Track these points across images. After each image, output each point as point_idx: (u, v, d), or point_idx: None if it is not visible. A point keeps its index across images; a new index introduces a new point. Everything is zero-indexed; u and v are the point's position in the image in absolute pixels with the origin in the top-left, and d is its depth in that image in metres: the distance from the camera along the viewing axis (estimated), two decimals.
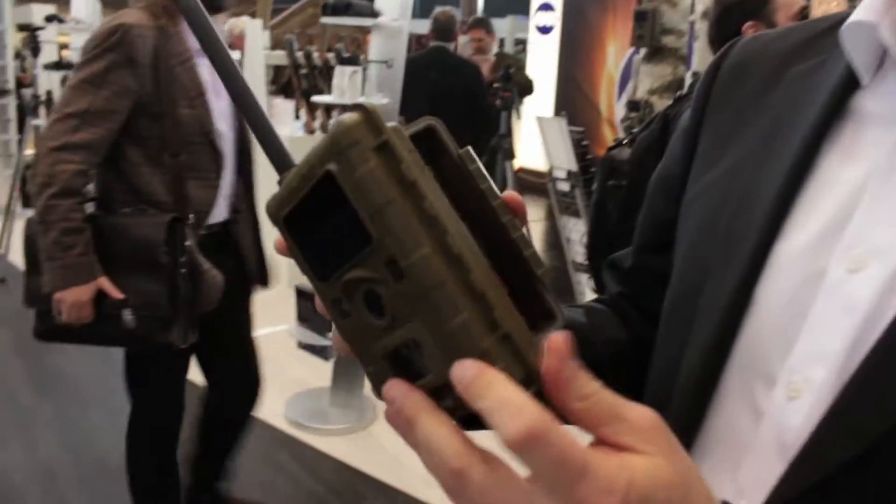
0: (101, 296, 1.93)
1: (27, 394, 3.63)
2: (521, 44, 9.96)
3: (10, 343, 4.20)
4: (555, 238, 5.48)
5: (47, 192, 1.85)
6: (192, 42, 2.01)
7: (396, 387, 0.36)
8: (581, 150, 4.34)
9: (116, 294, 1.93)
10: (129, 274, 1.94)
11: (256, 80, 5.18)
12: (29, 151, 5.83)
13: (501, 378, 0.34)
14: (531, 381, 0.38)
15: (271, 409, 3.13)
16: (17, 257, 5.43)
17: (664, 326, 0.66)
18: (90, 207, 2.00)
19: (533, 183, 7.64)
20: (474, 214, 0.58)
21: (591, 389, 0.35)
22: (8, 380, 3.75)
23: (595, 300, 0.81)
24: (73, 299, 1.88)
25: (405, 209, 0.41)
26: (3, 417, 3.37)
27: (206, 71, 2.05)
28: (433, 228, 0.41)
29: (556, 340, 0.35)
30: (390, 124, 0.43)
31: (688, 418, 0.58)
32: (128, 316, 1.95)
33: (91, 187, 2.03)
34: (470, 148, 0.55)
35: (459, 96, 4.66)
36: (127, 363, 2.21)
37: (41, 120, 5.73)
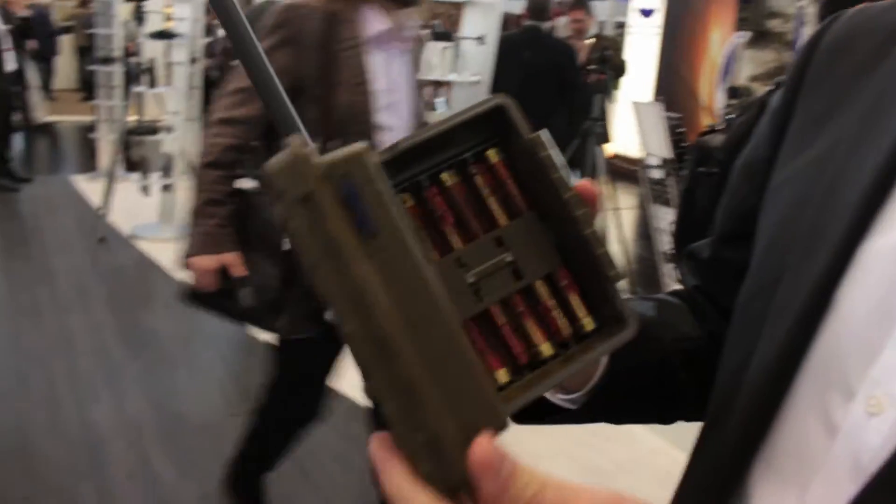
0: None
1: (119, 350, 3.78)
2: (622, 27, 9.71)
3: (106, 300, 4.39)
4: (645, 227, 5.33)
5: (202, 161, 1.93)
6: (368, 31, 1.96)
7: (374, 440, 0.38)
8: (677, 137, 4.18)
9: (239, 270, 1.94)
10: (254, 253, 1.97)
11: None
12: (132, 118, 6.07)
13: (401, 472, 0.35)
14: (458, 487, 0.36)
15: (348, 380, 3.16)
16: (117, 218, 5.67)
17: (735, 325, 0.61)
18: (249, 183, 2.04)
19: (626, 170, 7.47)
20: (545, 205, 0.53)
21: (529, 494, 0.34)
22: (102, 335, 3.92)
23: (671, 293, 0.76)
24: (200, 266, 1.92)
25: (329, 275, 0.37)
26: (95, 371, 3.53)
27: (380, 63, 2.00)
28: (358, 303, 0.37)
29: (479, 453, 0.35)
30: (348, 150, 0.38)
31: (752, 427, 0.53)
32: (245, 294, 1.95)
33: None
34: (543, 132, 0.51)
35: (552, 77, 4.57)
36: (278, 348, 2.15)
37: (144, 87, 5.94)
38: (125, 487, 2.68)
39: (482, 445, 0.35)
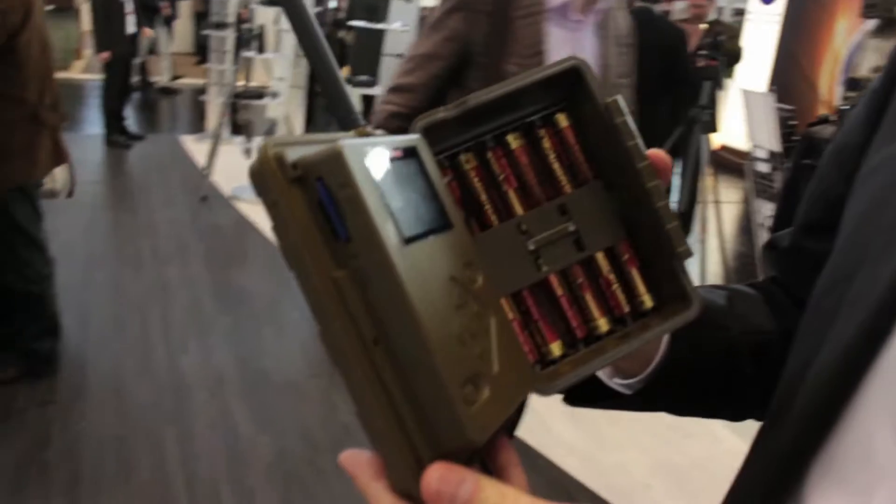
0: None
1: (210, 304, 3.93)
2: (741, 14, 9.31)
3: (203, 256, 4.56)
4: (747, 223, 5.12)
5: (372, 127, 1.96)
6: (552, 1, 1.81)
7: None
8: (787, 130, 3.97)
9: None
10: None
11: None
12: (241, 82, 6.24)
13: (370, 478, 0.37)
14: None
15: None
16: (219, 178, 5.87)
17: (806, 318, 0.56)
18: None
19: (732, 162, 7.20)
20: (612, 174, 0.49)
21: None
22: (197, 289, 4.07)
23: (748, 284, 0.71)
24: None
25: (299, 280, 0.35)
26: (187, 322, 3.67)
27: (561, 36, 1.83)
28: (321, 312, 0.35)
29: (428, 480, 0.34)
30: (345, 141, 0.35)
31: (812, 427, 0.49)
32: None
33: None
34: (620, 98, 0.47)
35: (659, 60, 4.41)
36: None
37: (253, 52, 6.10)
38: (205, 435, 2.78)
39: (432, 473, 0.34)
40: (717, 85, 4.72)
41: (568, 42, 1.84)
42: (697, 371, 0.63)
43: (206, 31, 8.40)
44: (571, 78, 0.48)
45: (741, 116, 4.65)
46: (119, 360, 3.23)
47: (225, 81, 7.01)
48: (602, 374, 0.66)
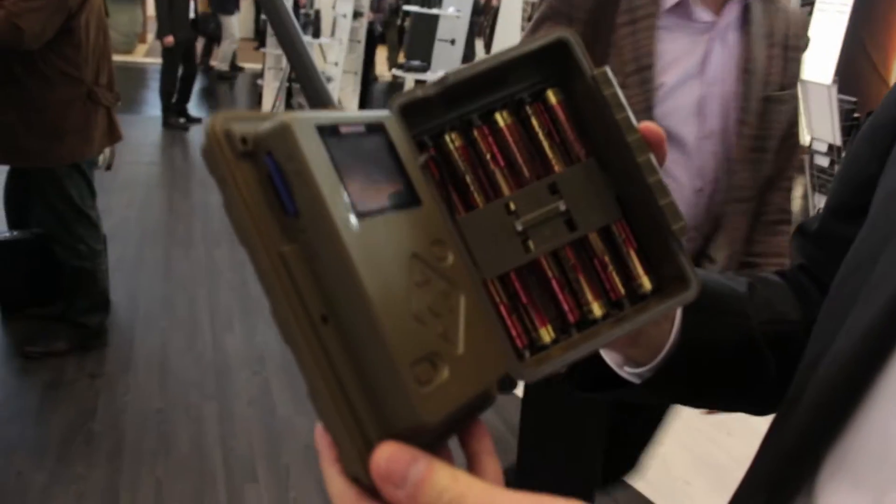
0: None
1: (256, 286, 3.96)
2: (809, 4, 9.02)
3: None
4: (806, 217, 4.96)
5: None
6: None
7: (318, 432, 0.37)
8: (849, 123, 3.82)
9: None
10: None
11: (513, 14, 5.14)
12: None
13: (329, 463, 0.36)
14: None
15: None
16: None
17: (826, 305, 0.53)
18: None
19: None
20: (607, 152, 0.47)
21: (444, 501, 0.33)
22: (244, 271, 4.13)
23: (775, 272, 0.67)
24: None
25: (251, 258, 0.34)
26: (232, 303, 3.73)
27: (679, 43, 1.39)
28: (268, 288, 0.34)
29: (378, 461, 0.33)
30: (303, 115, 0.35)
31: (824, 419, 0.46)
32: None
33: None
34: (608, 69, 0.45)
35: None
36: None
37: (308, 37, 6.14)
38: (245, 412, 2.82)
39: (381, 453, 0.32)
40: None
41: (689, 52, 1.39)
42: (711, 361, 0.60)
43: (264, 16, 8.50)
44: (559, 53, 0.46)
45: (800, 109, 4.51)
46: (165, 336, 3.31)
47: (281, 66, 7.09)
48: (612, 363, 0.64)
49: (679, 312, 0.58)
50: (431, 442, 0.38)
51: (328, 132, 0.35)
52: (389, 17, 10.18)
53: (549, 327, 0.47)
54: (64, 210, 2.87)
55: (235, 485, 2.44)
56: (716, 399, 0.67)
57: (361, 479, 0.34)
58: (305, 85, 0.44)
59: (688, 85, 1.38)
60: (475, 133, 0.47)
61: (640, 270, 0.48)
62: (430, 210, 0.40)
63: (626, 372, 0.62)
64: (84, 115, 2.82)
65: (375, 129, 0.39)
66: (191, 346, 3.25)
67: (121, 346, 3.16)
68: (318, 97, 0.43)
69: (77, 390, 2.84)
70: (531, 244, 0.46)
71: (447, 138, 0.46)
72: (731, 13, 1.39)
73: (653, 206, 0.45)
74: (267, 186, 0.34)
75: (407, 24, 6.60)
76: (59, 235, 2.90)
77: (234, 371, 3.11)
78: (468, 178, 0.46)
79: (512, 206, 0.46)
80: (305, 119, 0.34)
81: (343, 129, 0.37)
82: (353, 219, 0.33)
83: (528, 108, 0.47)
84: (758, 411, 0.67)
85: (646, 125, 0.44)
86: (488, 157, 0.47)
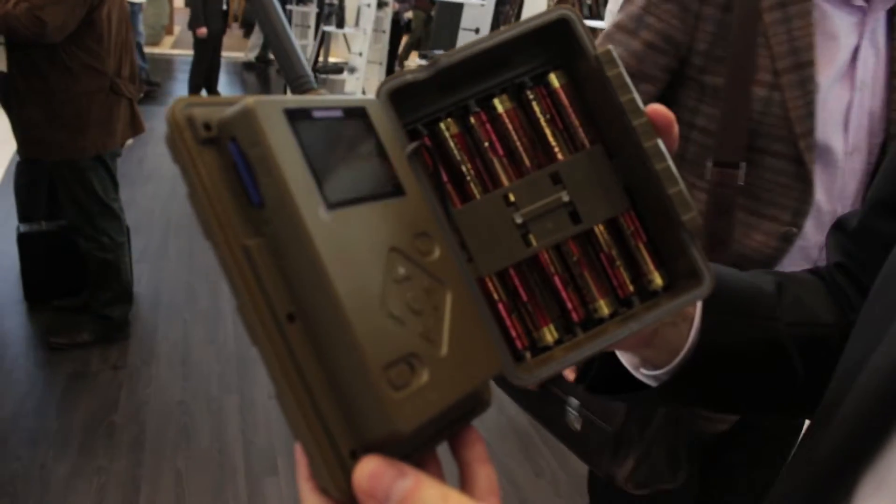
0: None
1: None
2: None
3: None
4: None
5: None
6: None
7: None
8: None
9: (567, 374, 1.14)
10: None
11: None
12: (322, 59, 6.29)
13: (304, 479, 0.33)
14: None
15: None
16: None
17: (867, 306, 0.49)
18: None
19: None
20: (614, 138, 0.42)
21: None
22: None
23: (808, 270, 0.63)
24: None
25: (215, 251, 0.32)
26: None
27: (840, 26, 1.11)
28: (232, 283, 0.31)
29: (360, 477, 0.30)
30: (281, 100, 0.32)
31: (863, 430, 0.42)
32: (572, 413, 1.19)
33: None
34: (612, 48, 0.41)
35: None
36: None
37: (332, 27, 6.13)
38: (265, 405, 2.82)
39: (363, 467, 0.30)
40: None
41: (840, 46, 1.12)
42: (733, 365, 0.56)
43: (289, 7, 8.53)
44: (561, 32, 0.42)
45: None
46: (188, 328, 3.31)
47: (308, 57, 7.09)
48: (627, 364, 0.61)
49: (698, 313, 0.54)
50: (413, 450, 0.34)
51: (298, 116, 0.32)
52: (418, 6, 10.13)
53: (552, 327, 0.44)
54: (87, 202, 2.88)
55: (255, 477, 2.43)
56: (737, 404, 0.63)
57: (332, 494, 0.31)
58: (283, 66, 0.41)
59: (837, 87, 1.13)
60: (472, 119, 0.44)
61: (650, 265, 0.44)
62: (414, 201, 0.37)
63: (642, 374, 0.59)
64: (107, 108, 2.83)
65: (355, 113, 0.36)
66: (213, 339, 3.26)
67: (143, 338, 3.18)
68: (298, 81, 0.40)
69: (100, 382, 2.85)
70: (532, 238, 0.43)
71: (442, 126, 0.43)
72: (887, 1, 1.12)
73: (661, 195, 0.41)
74: (232, 175, 0.31)
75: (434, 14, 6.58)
76: (82, 227, 2.91)
77: (256, 364, 3.10)
78: (464, 168, 0.43)
79: (511, 198, 0.43)
80: (272, 102, 0.31)
81: (316, 114, 0.34)
82: (322, 209, 0.31)
83: (528, 93, 0.44)
84: (782, 417, 0.63)
85: (654, 107, 0.40)
86: (486, 144, 0.44)
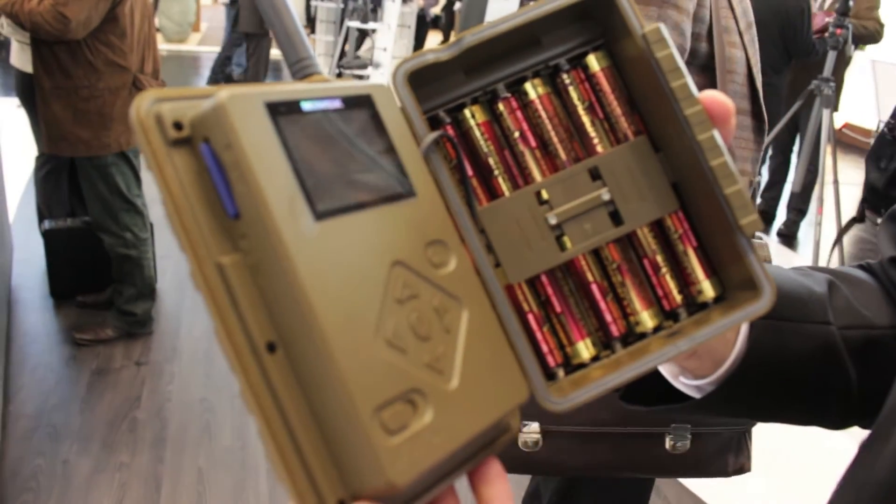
0: None
1: None
2: None
3: None
4: None
5: None
6: None
7: None
8: None
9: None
10: None
11: None
12: (354, 52, 6.27)
13: None
14: None
15: None
16: None
17: None
18: None
19: (856, 142, 6.71)
20: (661, 129, 0.36)
21: None
22: None
23: (859, 266, 0.58)
24: None
25: (191, 265, 0.28)
26: None
27: None
28: (208, 303, 0.28)
29: None
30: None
31: None
32: (673, 436, 1.14)
33: None
34: (662, 26, 0.37)
35: (775, 26, 4.11)
36: None
37: (356, 22, 6.10)
38: None
39: None
40: (845, 56, 4.35)
41: None
42: (783, 373, 0.52)
43: (314, 2, 8.51)
44: (603, 7, 0.37)
45: (870, 91, 4.29)
46: (211, 325, 3.30)
47: (332, 53, 7.07)
48: (665, 373, 0.56)
49: None
50: (423, 491, 0.30)
51: (283, 110, 0.28)
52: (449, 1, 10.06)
53: (589, 341, 0.40)
54: (110, 198, 2.88)
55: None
56: (786, 414, 0.59)
57: None
58: (282, 47, 0.36)
59: None
60: (501, 106, 0.39)
61: (700, 274, 0.40)
62: (427, 203, 0.32)
63: (682, 383, 0.54)
64: (130, 104, 2.82)
65: (359, 102, 0.31)
66: None
67: (167, 335, 3.17)
68: (298, 64, 0.36)
69: (123, 378, 2.85)
70: (567, 241, 0.39)
71: (467, 112, 0.39)
72: None
73: (717, 196, 0.36)
74: (207, 181, 0.27)
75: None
76: (106, 224, 2.91)
77: None
78: (492, 161, 0.39)
79: (545, 195, 0.39)
80: (251, 95, 0.27)
81: (307, 106, 0.29)
82: (306, 221, 0.27)
83: (564, 76, 0.39)
84: (834, 426, 0.59)
85: (709, 94, 0.36)
86: (517, 135, 0.39)
